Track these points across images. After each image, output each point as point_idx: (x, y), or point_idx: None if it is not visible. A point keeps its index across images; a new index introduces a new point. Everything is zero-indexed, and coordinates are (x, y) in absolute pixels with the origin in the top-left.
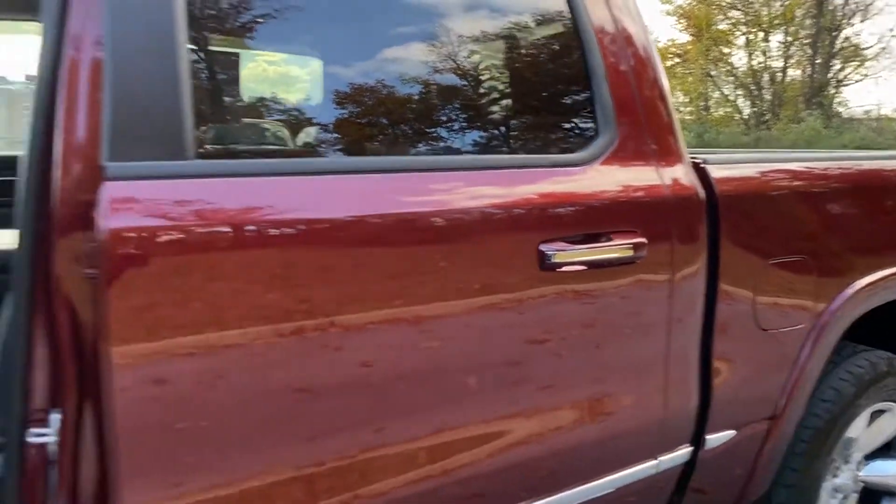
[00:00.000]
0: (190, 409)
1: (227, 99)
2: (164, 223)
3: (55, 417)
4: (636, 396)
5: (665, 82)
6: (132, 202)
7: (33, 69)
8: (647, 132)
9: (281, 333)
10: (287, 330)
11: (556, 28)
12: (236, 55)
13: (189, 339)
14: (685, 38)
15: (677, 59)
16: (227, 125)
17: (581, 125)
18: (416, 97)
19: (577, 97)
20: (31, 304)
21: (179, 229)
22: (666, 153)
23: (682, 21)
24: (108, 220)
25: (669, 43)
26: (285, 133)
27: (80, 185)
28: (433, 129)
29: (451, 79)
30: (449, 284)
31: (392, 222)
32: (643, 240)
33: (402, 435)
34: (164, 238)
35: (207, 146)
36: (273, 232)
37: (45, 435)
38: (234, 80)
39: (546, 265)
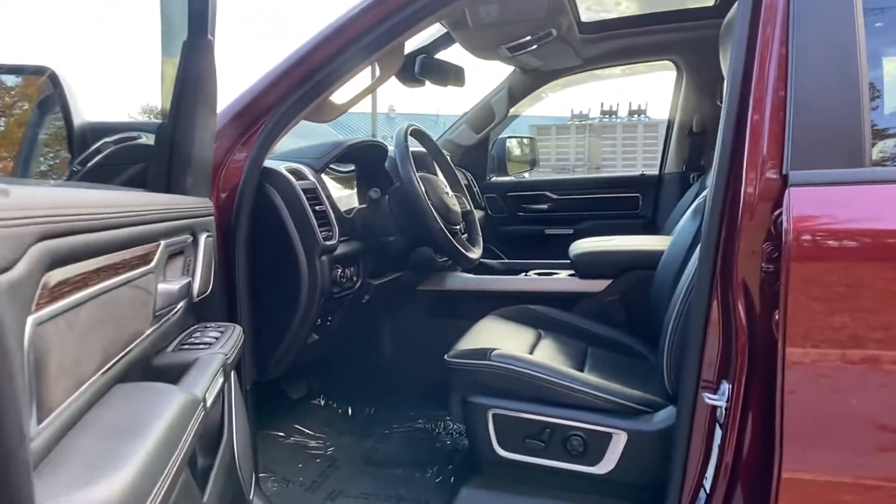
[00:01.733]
0: (843, 397)
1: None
2: (842, 226)
3: (725, 387)
4: None
5: None
6: (814, 206)
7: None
8: None
9: None
10: None
11: None
12: None
13: (851, 336)
14: None
15: None
16: None
17: None
18: None
19: None
20: (710, 291)
21: (856, 233)
22: None
23: None
24: (793, 222)
25: None
26: None
27: (764, 193)
28: None
29: None
30: None
31: None
32: None
33: None
34: (841, 239)
35: (883, 154)
36: None
37: (717, 400)
38: None
39: None
